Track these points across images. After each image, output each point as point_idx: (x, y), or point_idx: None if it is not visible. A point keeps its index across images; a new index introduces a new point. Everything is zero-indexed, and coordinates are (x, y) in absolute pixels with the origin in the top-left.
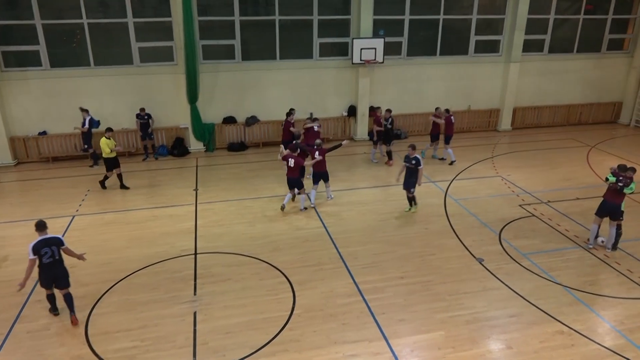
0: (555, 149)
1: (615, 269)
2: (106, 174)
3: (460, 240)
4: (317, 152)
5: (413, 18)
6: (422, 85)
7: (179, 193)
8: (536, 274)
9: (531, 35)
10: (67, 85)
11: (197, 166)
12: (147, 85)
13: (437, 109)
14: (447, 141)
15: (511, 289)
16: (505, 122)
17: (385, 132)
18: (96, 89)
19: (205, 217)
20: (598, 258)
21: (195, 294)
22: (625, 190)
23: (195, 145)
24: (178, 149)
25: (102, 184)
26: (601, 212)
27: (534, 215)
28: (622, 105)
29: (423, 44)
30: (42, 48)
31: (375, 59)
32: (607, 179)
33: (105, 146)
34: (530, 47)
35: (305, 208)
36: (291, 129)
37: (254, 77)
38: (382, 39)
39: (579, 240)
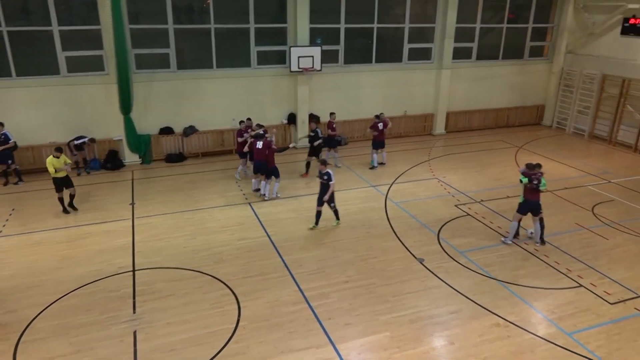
0: (486, 150)
1: (544, 261)
2: (58, 196)
3: (402, 242)
4: (260, 143)
5: (348, 27)
6: (360, 92)
7: (114, 208)
8: (473, 270)
9: (460, 43)
10: None
11: (132, 179)
12: (76, 97)
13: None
14: (375, 146)
15: (451, 287)
16: (440, 127)
17: (311, 141)
18: (18, 101)
19: (143, 231)
20: (529, 252)
21: (134, 313)
22: (540, 187)
23: (130, 157)
24: (112, 162)
25: (63, 206)
26: (524, 210)
27: (468, 214)
28: (545, 108)
29: (359, 52)
30: None
31: (313, 67)
32: (521, 181)
33: (50, 166)
34: (459, 54)
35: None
36: (240, 139)
37: (191, 87)
38: (319, 47)
39: (510, 235)
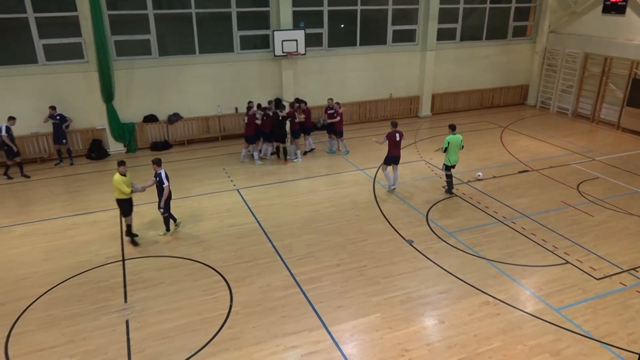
0: (471, 131)
1: (531, 239)
2: (128, 222)
3: (391, 224)
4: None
5: (332, 9)
6: (345, 76)
7: (101, 198)
8: (462, 250)
9: (444, 24)
10: None
11: None
12: (55, 85)
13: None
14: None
15: (440, 267)
16: (425, 109)
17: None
18: None
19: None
20: (516, 231)
21: (125, 302)
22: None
23: (115, 146)
24: (96, 151)
25: (131, 235)
26: (390, 161)
27: (456, 195)
28: (529, 88)
29: (343, 35)
30: None
31: (297, 51)
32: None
33: (123, 185)
34: (443, 35)
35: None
36: (256, 121)
37: (174, 73)
38: (303, 31)
39: (497, 215)
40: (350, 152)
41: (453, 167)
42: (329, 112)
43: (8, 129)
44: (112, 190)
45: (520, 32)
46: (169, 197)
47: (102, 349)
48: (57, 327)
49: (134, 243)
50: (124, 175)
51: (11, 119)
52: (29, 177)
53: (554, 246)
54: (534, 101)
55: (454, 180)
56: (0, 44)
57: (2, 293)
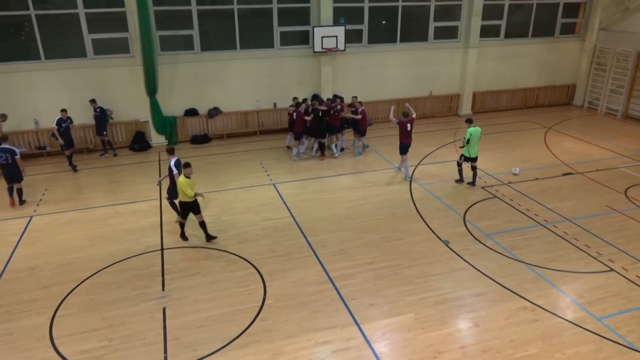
0: (514, 131)
1: (573, 245)
2: (181, 221)
3: (427, 224)
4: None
5: (373, 5)
6: (384, 73)
7: (142, 188)
8: (500, 253)
9: (488, 20)
10: (16, 79)
11: (159, 160)
12: (102, 79)
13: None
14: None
15: (476, 269)
16: (466, 107)
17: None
18: (48, 84)
19: (171, 211)
20: (557, 235)
21: (163, 290)
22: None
23: (157, 139)
24: (139, 143)
25: (183, 231)
26: (405, 150)
27: (495, 196)
28: (576, 87)
29: (383, 31)
30: None
31: (336, 47)
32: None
33: (188, 188)
34: (487, 32)
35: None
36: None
37: (215, 68)
38: (343, 27)
39: (539, 218)
40: (385, 150)
41: (474, 159)
42: (351, 109)
43: (63, 121)
44: (153, 181)
45: (568, 30)
46: (173, 185)
47: (140, 335)
48: (98, 311)
49: (209, 238)
50: (188, 177)
51: (63, 111)
52: (76, 170)
53: (597, 252)
54: (580, 101)
55: (492, 180)
56: (53, 39)
57: (49, 276)
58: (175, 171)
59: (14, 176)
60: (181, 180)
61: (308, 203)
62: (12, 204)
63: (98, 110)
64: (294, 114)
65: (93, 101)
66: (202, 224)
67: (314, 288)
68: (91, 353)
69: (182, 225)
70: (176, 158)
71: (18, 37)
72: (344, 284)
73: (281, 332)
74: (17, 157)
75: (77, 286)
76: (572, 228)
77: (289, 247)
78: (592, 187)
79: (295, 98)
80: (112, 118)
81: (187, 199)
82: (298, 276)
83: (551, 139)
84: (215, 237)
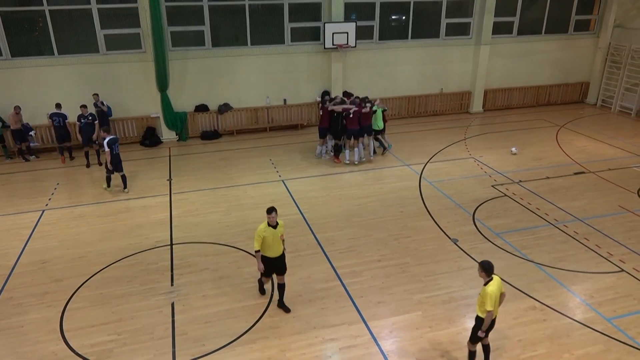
0: (525, 129)
1: (584, 244)
2: (262, 279)
3: (435, 222)
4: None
5: (384, 1)
6: (395, 69)
7: (152, 184)
8: (509, 252)
9: (500, 17)
10: (30, 75)
11: (170, 156)
12: (114, 74)
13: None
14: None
15: None
16: (477, 104)
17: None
18: (61, 79)
19: (180, 207)
20: (568, 235)
21: (172, 285)
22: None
23: (167, 134)
24: (149, 138)
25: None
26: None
27: (505, 195)
28: (589, 86)
29: (395, 27)
30: (0, 37)
31: (347, 44)
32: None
33: (259, 239)
34: (499, 29)
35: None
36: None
37: (225, 64)
38: (354, 23)
39: (549, 218)
40: (394, 147)
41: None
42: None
43: (83, 117)
44: (163, 177)
45: (582, 26)
46: (112, 161)
47: (149, 329)
48: (108, 305)
49: (285, 309)
50: (274, 227)
51: (83, 107)
52: (89, 166)
53: (608, 253)
54: (594, 99)
55: (502, 179)
56: (66, 34)
57: (60, 270)
58: (106, 149)
59: (64, 137)
60: (261, 227)
61: (317, 200)
62: (63, 160)
63: (90, 117)
64: (321, 111)
65: (84, 107)
66: (282, 287)
67: (322, 285)
68: (100, 346)
69: (261, 283)
70: (109, 137)
71: (32, 33)
72: (351, 282)
73: (288, 329)
74: (68, 120)
75: (88, 280)
76: (583, 228)
77: (297, 243)
78: (604, 186)
79: (325, 92)
80: (37, 142)
81: (270, 255)
82: (306, 273)
83: (563, 138)
84: (289, 310)
